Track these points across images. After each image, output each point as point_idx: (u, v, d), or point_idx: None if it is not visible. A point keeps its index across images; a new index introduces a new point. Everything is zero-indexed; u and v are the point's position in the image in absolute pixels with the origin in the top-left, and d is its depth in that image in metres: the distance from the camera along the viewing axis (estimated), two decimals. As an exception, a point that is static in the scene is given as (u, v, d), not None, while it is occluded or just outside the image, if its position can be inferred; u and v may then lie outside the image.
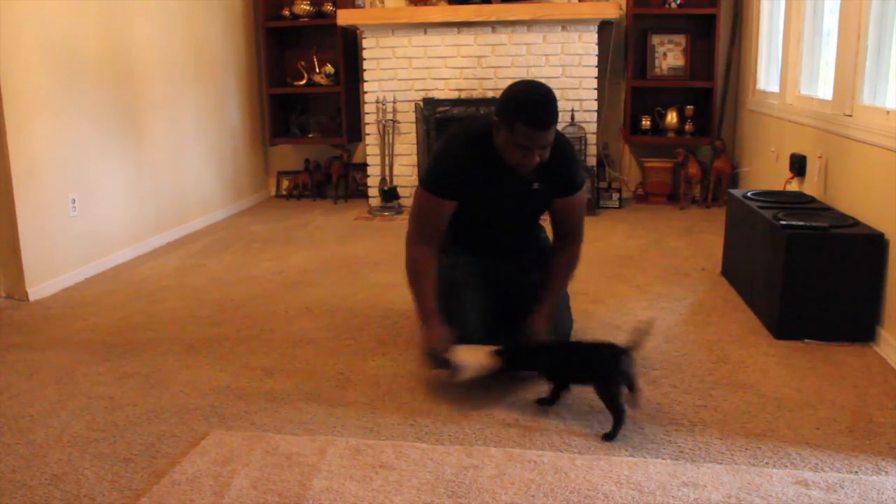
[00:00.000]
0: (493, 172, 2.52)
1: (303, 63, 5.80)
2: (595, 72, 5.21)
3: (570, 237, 2.70)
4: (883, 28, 2.96)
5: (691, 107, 5.43)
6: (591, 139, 5.22)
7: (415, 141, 5.38)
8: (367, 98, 5.42)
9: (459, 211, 2.60)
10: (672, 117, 5.42)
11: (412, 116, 5.36)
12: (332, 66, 5.72)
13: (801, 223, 2.90)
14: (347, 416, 2.32)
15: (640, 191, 5.64)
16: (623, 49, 5.49)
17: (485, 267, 2.77)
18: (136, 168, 4.37)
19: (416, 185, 5.30)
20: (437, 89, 5.31)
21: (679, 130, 5.45)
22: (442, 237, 2.64)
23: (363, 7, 5.46)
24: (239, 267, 4.07)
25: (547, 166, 2.47)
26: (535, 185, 2.57)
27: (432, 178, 2.59)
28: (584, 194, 2.71)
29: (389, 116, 5.37)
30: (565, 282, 2.71)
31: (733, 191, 3.66)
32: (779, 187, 3.95)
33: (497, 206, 2.63)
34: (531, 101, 2.37)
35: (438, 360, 2.50)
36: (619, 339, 2.44)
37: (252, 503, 1.86)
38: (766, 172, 4.53)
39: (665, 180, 5.56)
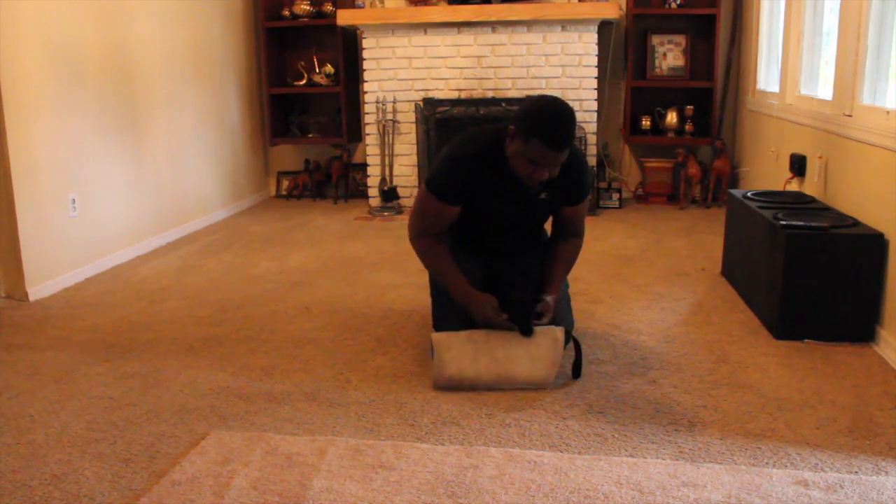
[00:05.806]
0: (500, 182, 2.54)
1: (303, 63, 5.80)
2: (595, 72, 5.21)
3: (571, 236, 2.76)
4: (883, 28, 2.96)
5: (691, 107, 5.42)
6: (591, 139, 5.22)
7: (415, 141, 5.38)
8: (367, 98, 5.42)
9: (464, 214, 2.62)
10: (672, 117, 5.42)
11: (412, 116, 5.35)
12: (332, 66, 5.72)
13: (801, 223, 2.90)
14: (347, 416, 2.32)
15: (640, 191, 5.64)
16: (623, 49, 5.49)
17: (485, 267, 2.78)
18: (136, 168, 4.37)
19: (416, 185, 5.38)
20: (437, 89, 5.31)
21: (679, 130, 5.45)
22: (446, 231, 2.66)
23: (363, 7, 5.46)
24: (239, 267, 4.07)
25: (557, 178, 2.48)
26: (543, 196, 2.59)
27: (438, 182, 2.59)
28: (588, 197, 2.78)
29: (389, 116, 5.37)
30: (566, 272, 2.73)
31: (733, 191, 3.66)
32: (779, 187, 3.94)
33: (502, 214, 2.65)
34: (553, 119, 2.36)
35: (497, 325, 2.52)
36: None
37: (252, 503, 1.87)
38: (766, 172, 4.53)
39: (665, 180, 5.56)
